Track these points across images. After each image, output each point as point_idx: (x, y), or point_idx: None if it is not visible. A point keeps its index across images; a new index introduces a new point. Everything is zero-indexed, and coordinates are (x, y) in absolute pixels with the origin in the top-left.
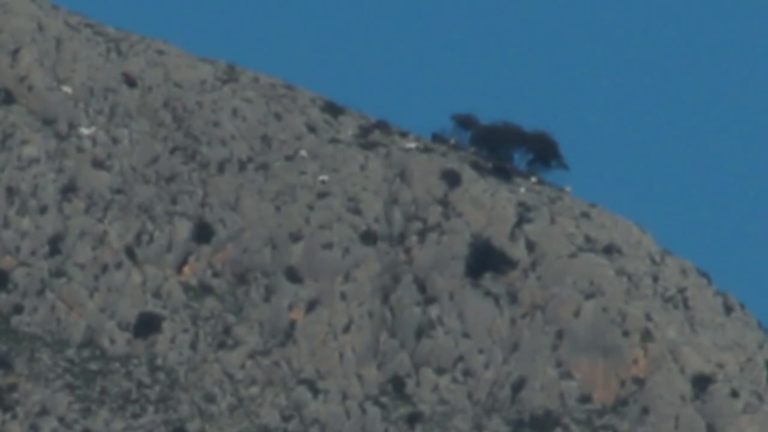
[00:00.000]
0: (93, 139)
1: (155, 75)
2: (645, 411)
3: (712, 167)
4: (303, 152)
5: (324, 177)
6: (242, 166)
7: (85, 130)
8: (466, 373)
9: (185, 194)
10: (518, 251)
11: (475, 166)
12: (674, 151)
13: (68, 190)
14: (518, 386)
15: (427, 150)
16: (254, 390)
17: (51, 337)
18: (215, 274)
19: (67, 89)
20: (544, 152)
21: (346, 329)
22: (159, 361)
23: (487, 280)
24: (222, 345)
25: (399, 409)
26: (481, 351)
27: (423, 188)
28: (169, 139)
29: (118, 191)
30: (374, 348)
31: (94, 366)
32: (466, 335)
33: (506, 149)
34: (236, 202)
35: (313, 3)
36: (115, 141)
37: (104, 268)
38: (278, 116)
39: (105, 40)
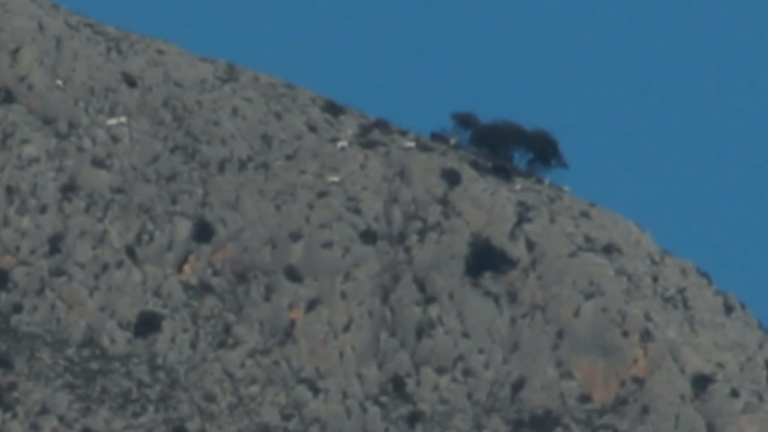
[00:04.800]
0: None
1: (155, 74)
2: (645, 411)
3: (712, 167)
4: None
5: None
6: (242, 165)
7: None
8: (466, 372)
9: (185, 193)
10: (518, 251)
11: (475, 165)
12: (674, 151)
13: (68, 190)
14: (518, 386)
15: (426, 149)
16: (254, 389)
17: (51, 336)
18: (215, 273)
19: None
20: (543, 151)
21: (346, 328)
22: (159, 360)
23: (487, 279)
24: (222, 344)
25: (399, 408)
26: (481, 351)
27: (423, 187)
28: (170, 138)
29: (119, 190)
30: (374, 347)
31: (94, 365)
32: (465, 335)
33: (506, 148)
34: (236, 201)
35: (313, 3)
36: (115, 140)
37: (104, 267)
38: (278, 115)
39: (105, 39)
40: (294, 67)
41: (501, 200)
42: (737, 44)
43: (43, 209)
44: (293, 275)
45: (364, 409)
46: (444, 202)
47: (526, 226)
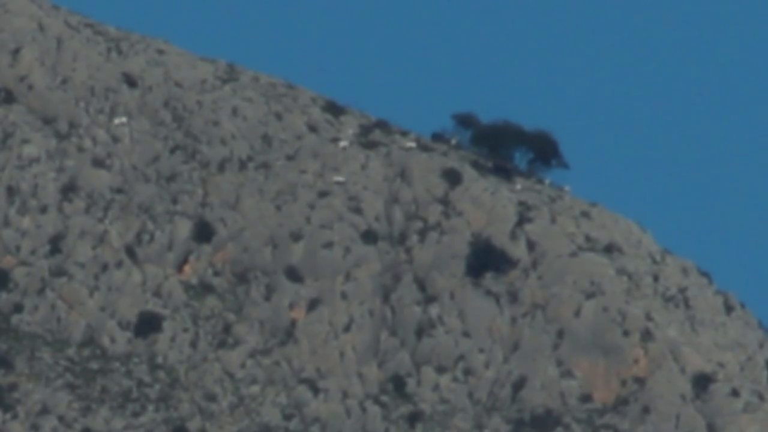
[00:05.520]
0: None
1: (155, 74)
2: (645, 410)
3: (712, 167)
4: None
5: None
6: (243, 165)
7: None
8: (467, 372)
9: (185, 193)
10: (519, 250)
11: (476, 165)
12: (674, 151)
13: (68, 190)
14: (519, 385)
15: (427, 149)
16: (255, 389)
17: (51, 336)
18: (216, 273)
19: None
20: (544, 151)
21: (347, 328)
22: (159, 360)
23: (488, 279)
24: (222, 344)
25: (400, 408)
26: (481, 350)
27: (423, 187)
28: (170, 138)
29: (119, 190)
30: (375, 347)
31: (94, 365)
32: (466, 334)
33: (506, 148)
34: (237, 201)
35: (313, 3)
36: (115, 140)
37: (104, 267)
38: (279, 115)
39: (105, 39)
40: (294, 66)
41: (502, 200)
42: (737, 44)
43: (43, 209)
44: (294, 275)
45: (365, 409)
46: (445, 202)
47: (527, 226)
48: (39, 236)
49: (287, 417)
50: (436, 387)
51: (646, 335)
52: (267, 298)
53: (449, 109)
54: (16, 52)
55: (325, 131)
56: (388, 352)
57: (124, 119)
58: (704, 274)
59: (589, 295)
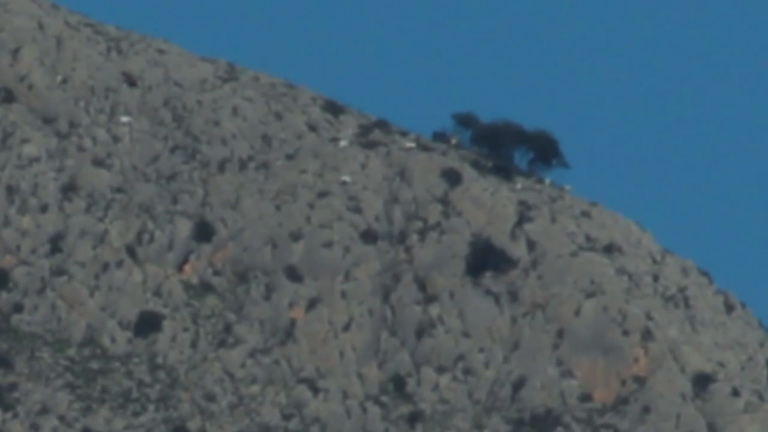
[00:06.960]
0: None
1: (155, 74)
2: (646, 410)
3: (712, 167)
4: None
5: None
6: (243, 165)
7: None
8: (467, 371)
9: (186, 193)
10: (519, 250)
11: (476, 165)
12: (674, 151)
13: (69, 189)
14: (519, 385)
15: (427, 149)
16: (255, 389)
17: (51, 336)
18: (216, 273)
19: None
20: (544, 151)
21: (347, 328)
22: (159, 360)
23: (488, 279)
24: (222, 343)
25: (399, 408)
26: (481, 350)
27: (423, 187)
28: (170, 138)
29: (119, 190)
30: (375, 347)
31: (94, 365)
32: (466, 334)
33: (507, 148)
34: (237, 201)
35: (313, 3)
36: (115, 140)
37: (105, 267)
38: (278, 115)
39: (105, 39)
40: (294, 66)
41: (502, 200)
42: (737, 44)
43: (43, 209)
44: (294, 275)
45: (365, 409)
46: (444, 201)
47: (527, 226)
48: (39, 236)
49: (287, 417)
50: (436, 387)
51: (646, 335)
52: (267, 298)
53: (449, 109)
54: (16, 51)
55: (325, 131)
56: (388, 352)
57: (128, 119)
58: (704, 273)
59: (589, 295)
